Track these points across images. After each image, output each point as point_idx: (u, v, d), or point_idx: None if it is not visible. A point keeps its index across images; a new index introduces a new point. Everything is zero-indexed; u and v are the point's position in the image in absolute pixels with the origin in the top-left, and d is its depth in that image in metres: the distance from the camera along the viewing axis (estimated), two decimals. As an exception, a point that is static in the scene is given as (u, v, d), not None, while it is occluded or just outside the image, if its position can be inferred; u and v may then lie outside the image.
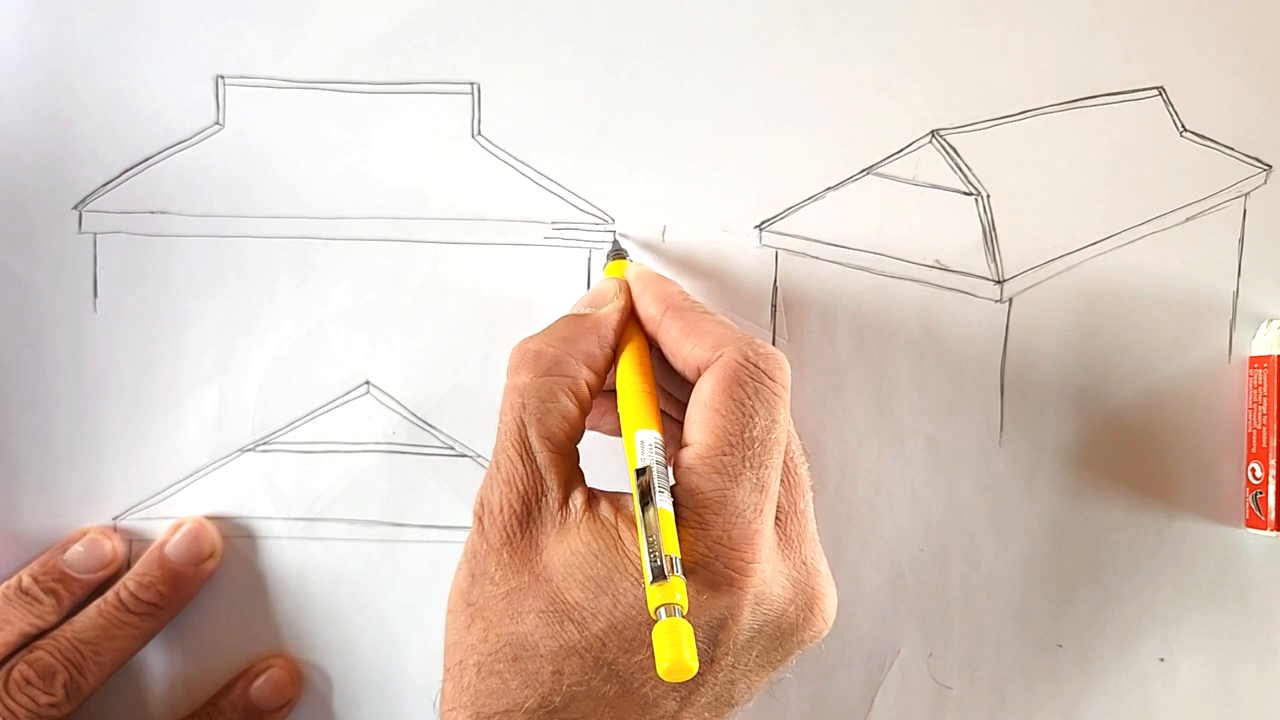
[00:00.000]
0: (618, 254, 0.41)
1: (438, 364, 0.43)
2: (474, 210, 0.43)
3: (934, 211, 0.43)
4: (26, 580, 0.41)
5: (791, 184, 0.43)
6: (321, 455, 0.43)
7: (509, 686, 0.32)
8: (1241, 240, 0.43)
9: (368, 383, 0.43)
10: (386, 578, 0.43)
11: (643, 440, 0.33)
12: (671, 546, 0.31)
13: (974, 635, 0.44)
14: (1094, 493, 0.43)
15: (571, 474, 0.34)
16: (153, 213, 0.43)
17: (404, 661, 0.43)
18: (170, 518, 0.43)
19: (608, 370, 0.36)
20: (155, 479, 0.43)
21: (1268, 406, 0.42)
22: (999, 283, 0.43)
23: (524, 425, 0.34)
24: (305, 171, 0.43)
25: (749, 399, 0.33)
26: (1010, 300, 0.43)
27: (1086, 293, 0.43)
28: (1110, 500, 0.43)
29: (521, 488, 0.34)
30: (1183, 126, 0.43)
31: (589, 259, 0.43)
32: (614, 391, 0.37)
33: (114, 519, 0.43)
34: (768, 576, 0.33)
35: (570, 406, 0.34)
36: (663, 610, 0.30)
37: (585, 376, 0.35)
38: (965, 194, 0.43)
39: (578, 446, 0.35)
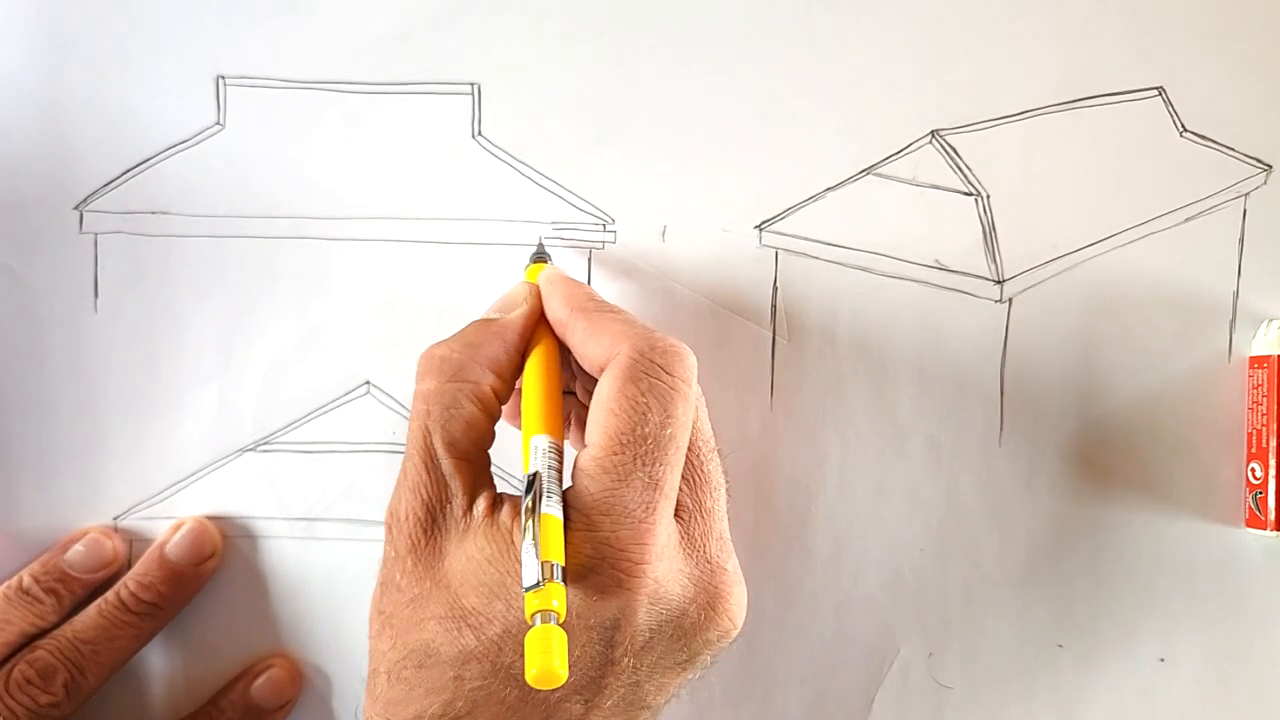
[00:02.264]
0: (539, 257, 0.41)
1: (438, 364, 0.43)
2: (474, 210, 0.43)
3: (934, 211, 0.43)
4: (27, 580, 0.41)
5: (791, 184, 0.43)
6: (322, 455, 0.43)
7: (415, 693, 0.32)
8: (1241, 240, 0.43)
9: (368, 383, 0.43)
10: (387, 578, 0.43)
11: (536, 445, 0.33)
12: (553, 552, 0.30)
13: (974, 635, 0.44)
14: (1094, 492, 0.43)
15: (478, 480, 0.34)
16: (153, 213, 0.43)
17: (404, 661, 0.43)
18: (171, 518, 0.43)
19: (515, 375, 0.36)
20: (156, 479, 0.43)
21: (1268, 406, 0.42)
22: (999, 283, 0.43)
23: (429, 432, 0.34)
24: (305, 171, 0.43)
25: (642, 396, 0.33)
26: (1010, 300, 0.43)
27: (1087, 293, 0.43)
28: (1110, 500, 0.43)
29: (425, 495, 0.33)
30: (1183, 126, 0.43)
31: (589, 259, 0.43)
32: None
33: (115, 519, 0.43)
34: (661, 576, 0.32)
35: (474, 411, 0.34)
36: (537, 617, 0.29)
37: (489, 381, 0.35)
38: (965, 194, 0.43)
39: (488, 451, 0.35)
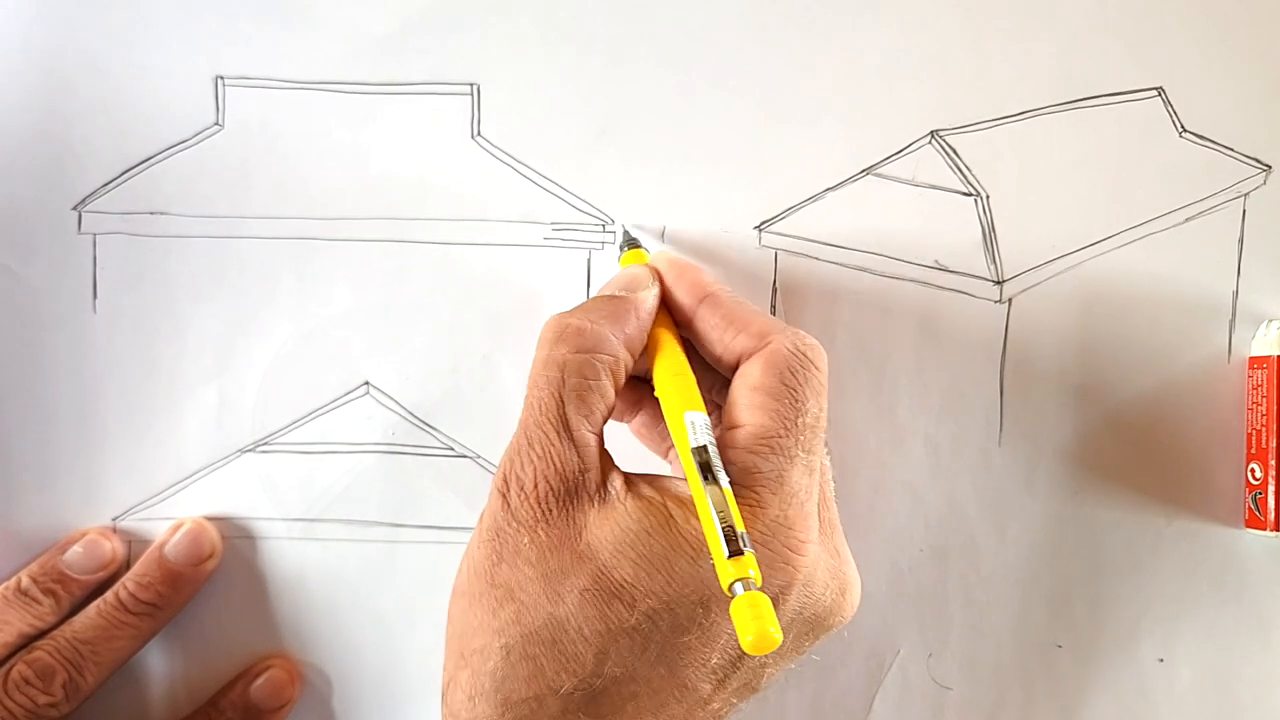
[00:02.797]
0: (632, 243, 0.41)
1: (437, 364, 0.43)
2: (474, 210, 0.43)
3: (933, 212, 0.43)
4: (25, 581, 0.41)
5: (791, 184, 0.43)
6: (321, 456, 0.43)
7: (543, 670, 0.31)
8: (1241, 240, 0.43)
9: (367, 383, 0.43)
10: (386, 578, 0.43)
11: (693, 421, 0.33)
12: (740, 523, 0.30)
13: (973, 635, 0.44)
14: (1093, 493, 0.43)
15: (605, 455, 0.34)
16: (153, 213, 0.43)
17: (403, 661, 0.43)
18: (170, 518, 0.43)
19: (640, 354, 0.36)
20: (155, 479, 0.43)
21: (1267, 407, 0.42)
22: (998, 283, 0.43)
23: (563, 401, 0.33)
24: (305, 171, 0.43)
25: (800, 386, 0.33)
26: (1010, 300, 0.43)
27: (1086, 293, 0.43)
28: (1110, 500, 0.43)
29: (560, 465, 0.33)
30: (1182, 127, 0.43)
31: (589, 259, 0.43)
32: (634, 381, 0.37)
33: (113, 519, 0.43)
34: (815, 559, 0.33)
35: (608, 387, 0.34)
36: (739, 585, 0.29)
37: (624, 357, 0.35)
38: (965, 194, 0.43)
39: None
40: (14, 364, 0.42)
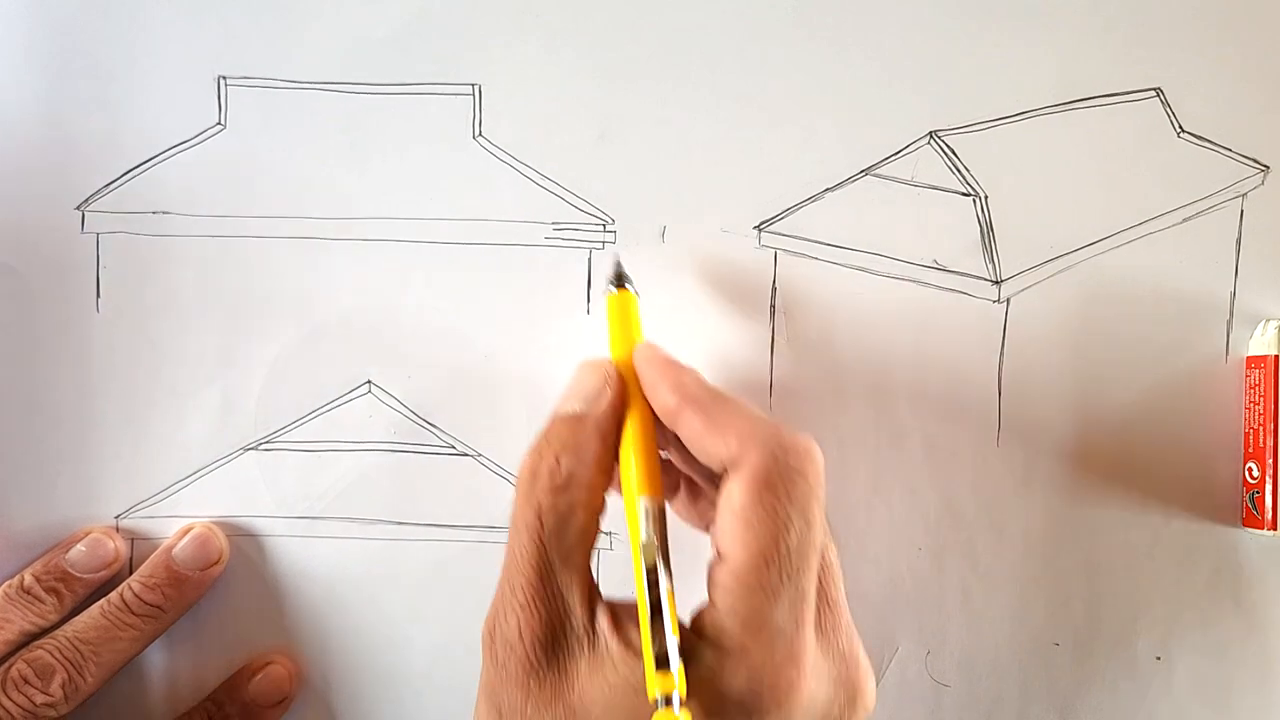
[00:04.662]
0: (619, 281, 0.39)
1: (439, 363, 0.43)
2: (474, 211, 0.43)
3: (932, 212, 0.43)
4: (28, 579, 0.41)
5: (791, 184, 0.43)
6: (323, 454, 0.43)
7: None
8: (1239, 241, 0.43)
9: (369, 382, 0.43)
10: (387, 576, 0.43)
11: (645, 509, 0.32)
12: (675, 628, 0.30)
13: (971, 634, 0.44)
14: (1091, 492, 0.44)
15: (591, 591, 0.33)
16: (155, 213, 0.43)
17: (405, 659, 0.43)
18: (173, 516, 0.43)
19: (613, 467, 0.35)
20: (157, 478, 0.43)
21: (1264, 406, 0.42)
22: (997, 283, 0.43)
23: (544, 547, 0.32)
24: (306, 171, 0.43)
25: (781, 505, 0.31)
26: (1008, 301, 0.43)
27: (1084, 293, 0.43)
28: (1107, 500, 0.44)
29: (544, 613, 0.32)
30: (1180, 127, 0.43)
31: (589, 259, 0.43)
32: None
33: (116, 518, 0.43)
34: (812, 687, 0.32)
35: (590, 523, 0.33)
36: (662, 700, 0.29)
37: (601, 485, 0.34)
38: (963, 195, 0.43)
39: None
40: (17, 363, 0.43)
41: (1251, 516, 0.43)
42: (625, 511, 0.33)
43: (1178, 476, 0.43)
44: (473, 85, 0.43)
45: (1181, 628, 0.44)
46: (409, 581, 0.43)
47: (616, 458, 0.35)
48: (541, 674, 0.32)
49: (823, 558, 0.33)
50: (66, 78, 0.42)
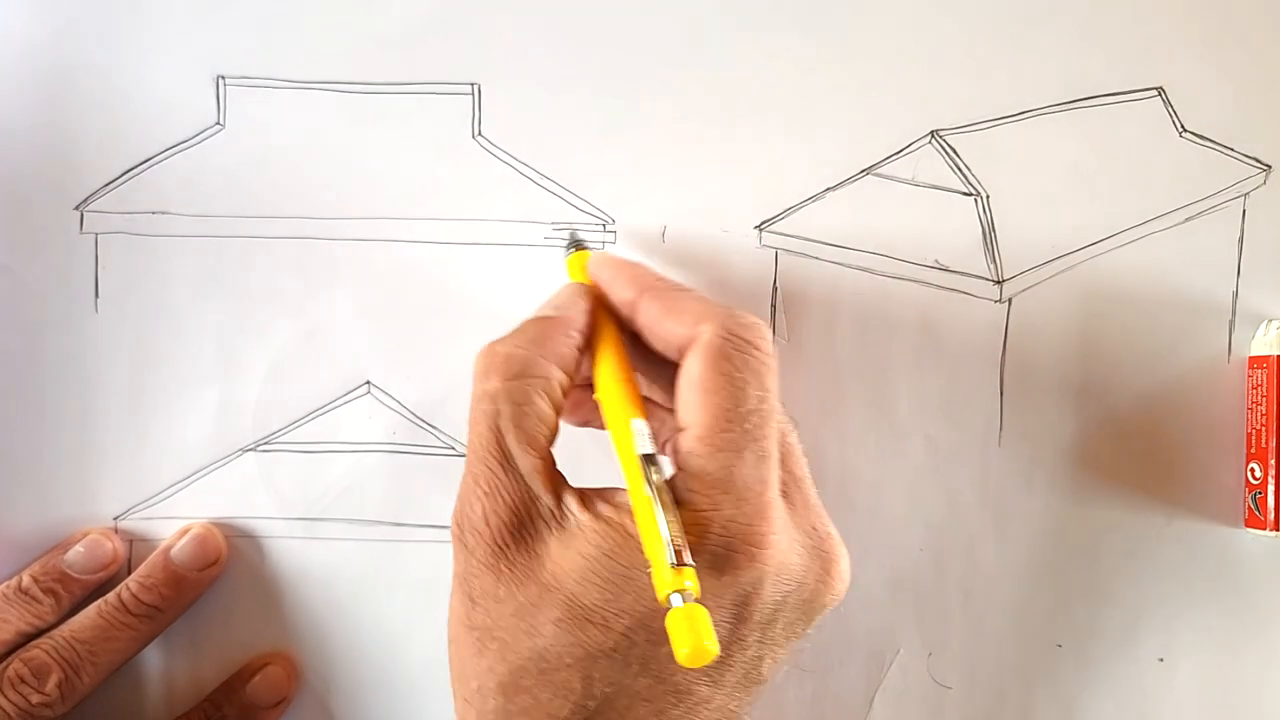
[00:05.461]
0: (578, 245, 0.41)
1: (438, 364, 0.43)
2: (474, 210, 0.43)
3: (933, 212, 0.43)
4: (26, 580, 0.41)
5: (791, 184, 0.43)
6: (322, 455, 0.43)
7: (539, 701, 0.32)
8: (1241, 240, 0.43)
9: (368, 383, 0.43)
10: (387, 577, 0.43)
11: (638, 429, 0.33)
12: (680, 534, 0.30)
13: (973, 635, 0.44)
14: (1093, 493, 0.43)
15: (556, 477, 0.33)
16: (154, 213, 0.43)
17: (404, 660, 0.43)
18: (171, 517, 0.43)
19: (578, 369, 0.36)
20: (156, 479, 0.43)
21: (1267, 406, 0.42)
22: (998, 283, 0.43)
23: (500, 432, 0.33)
24: (306, 171, 0.43)
25: (738, 372, 0.33)
26: (1010, 300, 0.43)
27: (1086, 293, 0.43)
28: (1109, 500, 0.43)
29: (508, 498, 0.32)
30: (1182, 127, 0.43)
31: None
32: (584, 387, 0.36)
33: (115, 519, 0.43)
34: (784, 547, 0.33)
35: (546, 409, 0.33)
36: (676, 597, 0.29)
37: (558, 377, 0.34)
38: (965, 194, 0.43)
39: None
40: (16, 364, 0.42)
41: (1254, 517, 0.43)
42: (612, 438, 0.34)
43: (1180, 477, 0.43)
44: (472, 85, 0.43)
45: (1184, 629, 0.44)
46: (408, 582, 0.43)
47: (582, 355, 0.36)
48: (511, 556, 0.32)
49: (783, 437, 0.34)
50: (66, 77, 0.42)
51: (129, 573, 0.42)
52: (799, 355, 0.43)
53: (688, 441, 0.33)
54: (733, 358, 0.33)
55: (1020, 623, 0.44)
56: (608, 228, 0.43)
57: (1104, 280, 0.43)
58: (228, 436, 0.43)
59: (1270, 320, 0.43)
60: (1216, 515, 0.43)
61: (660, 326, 0.35)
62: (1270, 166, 0.43)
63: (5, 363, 0.42)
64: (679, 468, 0.33)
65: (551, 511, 0.33)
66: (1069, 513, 0.43)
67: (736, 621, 0.32)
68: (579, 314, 0.36)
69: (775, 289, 0.43)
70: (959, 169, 0.43)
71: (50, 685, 0.39)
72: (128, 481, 0.43)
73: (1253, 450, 0.43)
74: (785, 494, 0.34)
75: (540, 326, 0.35)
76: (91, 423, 0.43)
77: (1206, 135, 0.43)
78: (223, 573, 0.43)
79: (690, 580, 0.29)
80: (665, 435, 0.38)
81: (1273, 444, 0.42)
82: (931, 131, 0.43)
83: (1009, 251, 0.43)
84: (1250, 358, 0.43)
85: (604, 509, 0.32)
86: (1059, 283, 0.43)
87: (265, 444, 0.43)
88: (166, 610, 0.42)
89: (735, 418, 0.32)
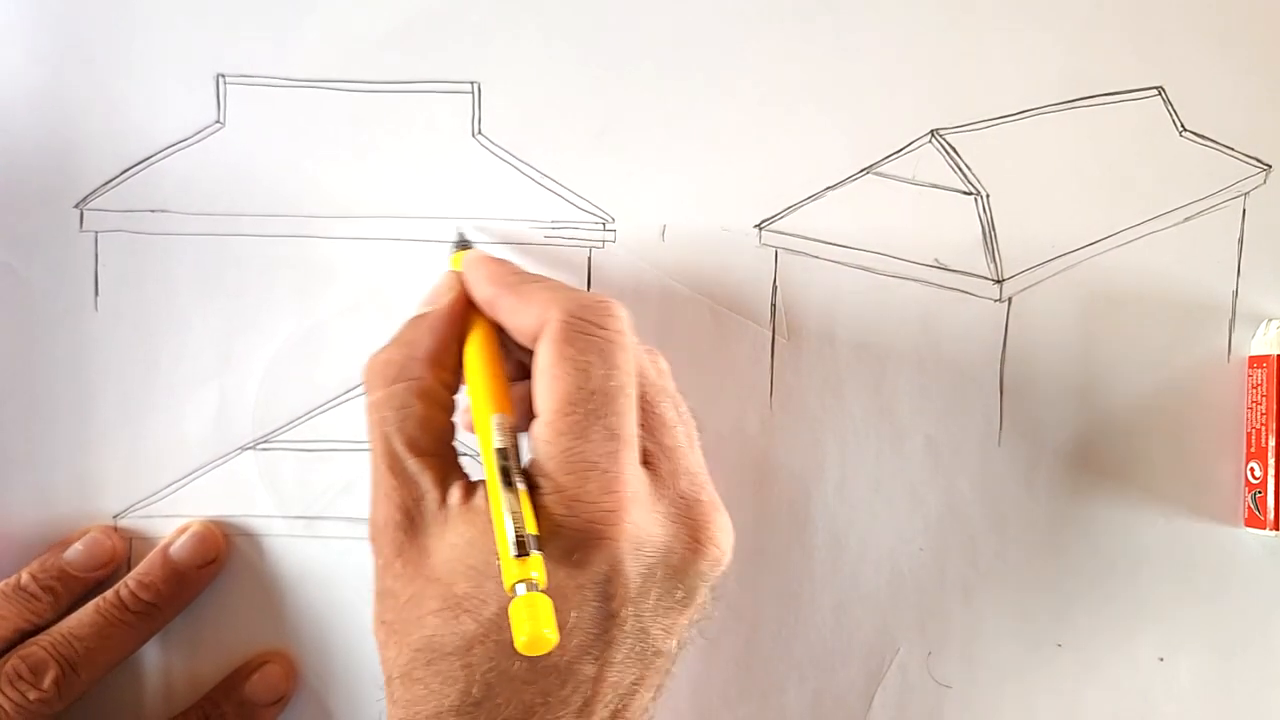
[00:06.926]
0: (461, 245, 0.41)
1: (438, 363, 0.43)
2: (474, 210, 0.43)
3: (933, 211, 0.43)
4: (25, 577, 0.41)
5: (791, 183, 0.43)
6: (322, 454, 0.43)
7: (430, 689, 0.32)
8: (1241, 240, 0.43)
9: (368, 381, 0.43)
10: (386, 576, 0.43)
11: (496, 423, 0.33)
12: (525, 522, 0.31)
13: (973, 634, 0.44)
14: (1093, 492, 0.43)
15: (447, 473, 0.34)
16: (154, 211, 0.43)
17: (403, 660, 0.43)
18: (171, 516, 0.43)
19: (457, 363, 0.36)
20: (156, 477, 0.43)
21: (1267, 406, 0.42)
22: (998, 282, 0.43)
23: (388, 438, 0.34)
24: (305, 171, 0.43)
25: (581, 355, 0.33)
26: (1010, 300, 0.43)
27: (1086, 292, 0.43)
28: (1109, 499, 0.43)
29: (398, 498, 0.34)
30: (1182, 126, 0.43)
31: (589, 258, 0.43)
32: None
33: (114, 517, 0.43)
34: (639, 520, 0.33)
35: (424, 408, 0.34)
36: (519, 586, 0.30)
37: (432, 375, 0.35)
38: (965, 193, 0.43)
39: (454, 444, 0.35)
40: (15, 362, 0.42)
41: (1253, 517, 0.43)
42: (476, 433, 0.34)
43: (1180, 476, 0.43)
44: (472, 83, 0.43)
45: (1183, 628, 0.43)
46: (408, 581, 0.43)
47: (459, 344, 0.36)
48: (406, 553, 0.33)
49: (648, 408, 0.35)
50: (65, 76, 0.42)
51: (128, 571, 0.42)
52: (798, 354, 0.43)
53: (536, 428, 0.33)
54: (575, 341, 0.33)
55: (1020, 622, 0.44)
56: (607, 226, 0.43)
57: (1104, 280, 0.43)
58: (227, 435, 0.43)
59: (1270, 320, 0.43)
60: (1216, 514, 0.43)
61: (514, 320, 0.35)
62: (1270, 166, 0.43)
63: (5, 361, 0.42)
64: (531, 455, 0.33)
65: (439, 505, 0.33)
66: (1069, 512, 0.43)
67: (604, 599, 0.32)
68: (445, 307, 0.37)
69: (775, 288, 0.43)
70: (959, 168, 0.43)
71: (48, 682, 0.39)
72: (127, 479, 0.43)
73: (1252, 450, 0.43)
74: (650, 464, 0.34)
75: (411, 328, 0.36)
76: (91, 420, 0.43)
77: (1206, 135, 0.43)
78: (222, 571, 0.43)
79: (536, 570, 0.30)
80: None
81: (1272, 443, 0.42)
82: (931, 131, 0.43)
83: (1009, 251, 0.43)
84: (1250, 357, 0.43)
85: (478, 500, 0.33)
86: (1059, 282, 0.43)
87: (265, 442, 0.43)
88: (165, 608, 0.42)
89: (578, 399, 0.33)
